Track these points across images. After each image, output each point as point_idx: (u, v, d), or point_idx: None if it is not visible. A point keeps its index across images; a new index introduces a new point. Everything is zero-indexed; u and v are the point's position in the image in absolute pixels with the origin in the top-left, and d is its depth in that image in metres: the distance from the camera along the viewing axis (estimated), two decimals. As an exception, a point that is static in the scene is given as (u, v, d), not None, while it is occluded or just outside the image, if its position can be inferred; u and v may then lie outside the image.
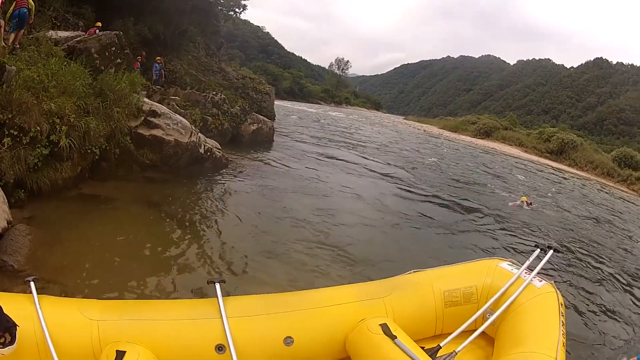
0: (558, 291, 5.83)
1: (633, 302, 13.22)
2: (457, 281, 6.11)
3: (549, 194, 32.60)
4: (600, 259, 16.87)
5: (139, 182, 13.07)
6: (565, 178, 52.60)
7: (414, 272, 6.23)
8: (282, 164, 20.68)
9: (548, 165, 64.51)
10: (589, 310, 11.76)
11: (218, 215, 12.19)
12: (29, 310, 4.20)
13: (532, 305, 5.58)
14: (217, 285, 5.01)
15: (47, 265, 7.58)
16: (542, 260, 6.26)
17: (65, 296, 5.14)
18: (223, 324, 4.60)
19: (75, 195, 10.96)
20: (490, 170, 40.58)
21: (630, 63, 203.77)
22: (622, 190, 58.92)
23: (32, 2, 14.03)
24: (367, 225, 14.06)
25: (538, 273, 6.07)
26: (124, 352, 4.04)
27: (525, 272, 6.05)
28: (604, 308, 12.27)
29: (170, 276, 8.27)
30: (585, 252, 17.32)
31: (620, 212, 34.69)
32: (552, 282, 5.95)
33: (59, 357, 3.93)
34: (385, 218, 15.45)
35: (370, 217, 15.09)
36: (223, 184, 15.39)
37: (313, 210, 14.16)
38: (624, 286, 14.40)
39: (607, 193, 48.77)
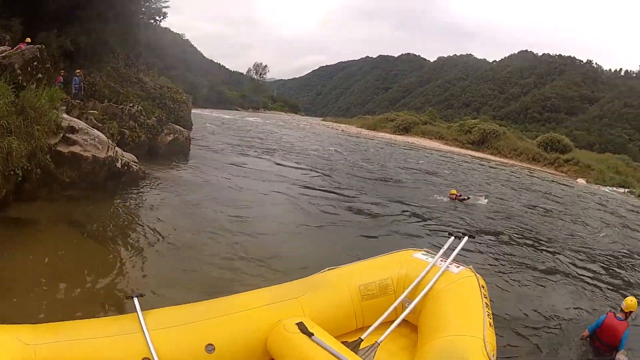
0: (478, 275, 6.19)
1: (569, 280, 14.09)
2: (371, 275, 6.35)
3: (478, 185, 33.89)
4: (536, 243, 17.90)
5: (60, 201, 13.06)
6: (492, 167, 54.37)
7: (329, 269, 6.47)
8: (199, 175, 20.82)
9: (471, 156, 65.97)
10: (524, 293, 12.45)
11: (136, 230, 12.29)
12: None
13: (452, 290, 5.85)
14: (136, 300, 5.12)
15: None
16: (457, 247, 6.67)
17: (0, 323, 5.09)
18: (145, 337, 4.63)
19: (1, 219, 10.91)
20: (411, 165, 41.55)
21: (557, 53, 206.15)
22: (551, 173, 61.85)
23: None
24: (285, 230, 14.36)
25: (455, 260, 6.43)
26: None
27: (441, 260, 6.39)
28: (539, 289, 12.91)
29: (95, 294, 8.40)
30: (521, 238, 18.35)
31: (555, 195, 36.75)
32: (471, 267, 6.33)
33: None
34: (302, 221, 15.88)
35: (287, 222, 15.46)
36: (140, 198, 15.51)
37: (230, 220, 14.44)
38: (560, 268, 15.20)
39: (537, 178, 50.79)
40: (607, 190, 55.06)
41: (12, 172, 11.31)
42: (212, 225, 13.52)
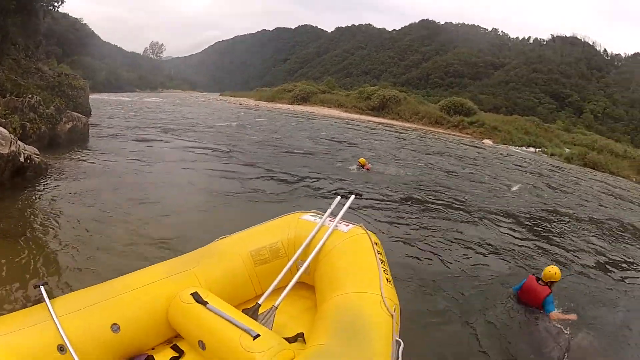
0: (369, 232, 6.27)
1: (487, 241, 14.84)
2: (262, 239, 6.41)
3: (386, 151, 34.55)
4: (449, 205, 18.98)
5: None
6: (398, 132, 55.61)
7: (220, 238, 6.49)
8: (100, 161, 20.62)
9: (373, 122, 66.56)
10: (436, 253, 13.13)
11: (42, 224, 12.21)
12: None
13: (343, 248, 5.95)
14: (42, 288, 4.99)
15: None
16: (344, 206, 6.77)
17: None
18: (55, 323, 4.56)
19: None
20: (312, 134, 41.97)
21: (460, 22, 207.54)
22: (457, 135, 63.27)
23: None
24: (187, 209, 14.53)
25: (345, 219, 6.53)
26: None
27: (329, 220, 6.48)
28: (453, 250, 13.64)
29: (7, 293, 8.39)
30: (432, 201, 19.36)
31: (468, 157, 38.59)
32: (361, 224, 6.40)
33: None
34: (203, 198, 16.18)
35: (189, 200, 15.64)
36: (44, 191, 15.31)
37: (133, 204, 14.56)
38: (476, 229, 16.08)
39: (445, 140, 52.52)
40: (517, 150, 57.12)
41: None
42: (115, 211, 13.60)
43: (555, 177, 35.69)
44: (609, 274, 13.89)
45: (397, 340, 4.72)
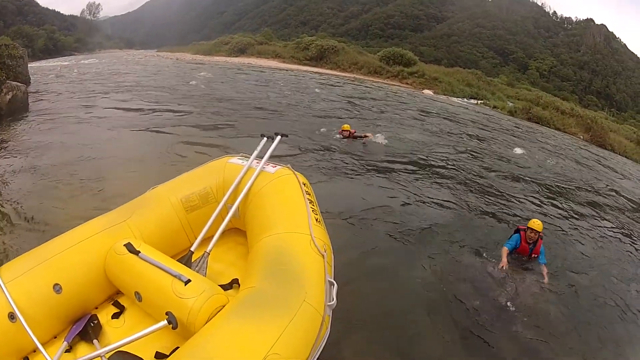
0: (297, 173, 6.38)
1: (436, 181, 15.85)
2: (191, 186, 6.47)
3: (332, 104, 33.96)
4: (398, 155, 19.27)
5: None
6: (340, 81, 54.99)
7: (152, 188, 6.51)
8: (41, 130, 20.28)
9: (311, 72, 65.70)
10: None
11: None
12: None
13: (270, 190, 6.06)
14: None
15: None
16: (270, 147, 6.86)
17: None
18: (4, 292, 4.54)
19: None
20: (249, 86, 41.87)
21: None
22: (396, 85, 63.19)
23: None
24: (129, 168, 14.40)
25: (271, 160, 6.64)
26: None
27: (256, 162, 6.56)
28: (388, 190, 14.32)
29: None
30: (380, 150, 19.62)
31: (394, 101, 39.58)
32: (289, 165, 6.50)
33: None
34: (145, 156, 15.99)
35: (131, 159, 15.45)
36: None
37: (73, 158, 14.88)
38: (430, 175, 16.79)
39: (381, 90, 51.84)
40: (457, 100, 57.43)
41: None
42: (55, 170, 13.77)
43: (505, 131, 36.41)
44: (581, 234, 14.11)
45: (330, 281, 4.93)
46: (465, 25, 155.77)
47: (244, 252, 6.25)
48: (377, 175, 15.97)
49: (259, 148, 6.83)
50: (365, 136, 20.48)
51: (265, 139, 7.03)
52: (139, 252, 5.11)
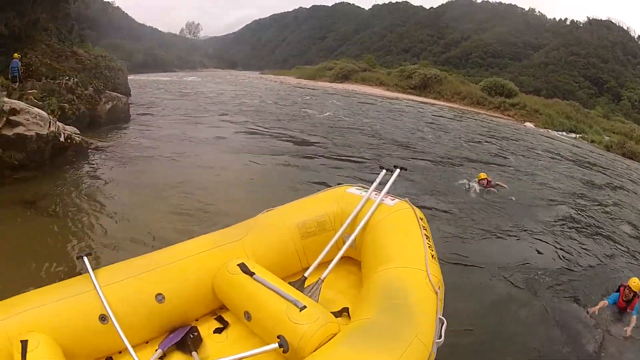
0: (414, 207, 6.23)
1: (544, 230, 14.67)
2: (309, 212, 6.45)
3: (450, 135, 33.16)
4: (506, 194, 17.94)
5: (12, 185, 13.26)
6: (461, 117, 53.29)
7: (267, 210, 6.52)
8: (141, 138, 21.03)
9: (416, 101, 64.56)
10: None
11: (87, 198, 12.69)
12: None
13: (389, 223, 5.93)
14: (85, 259, 5.12)
15: None
16: (389, 180, 6.70)
17: None
18: (98, 293, 4.67)
19: None
20: (358, 111, 41.44)
21: (497, 0, 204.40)
22: (498, 117, 61.69)
23: None
24: (231, 183, 14.96)
25: (389, 193, 6.50)
26: (26, 341, 4.20)
27: (375, 194, 6.45)
28: (502, 237, 13.51)
29: (50, 264, 8.81)
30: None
31: (504, 137, 37.40)
32: (407, 199, 6.38)
33: None
34: (247, 173, 16.47)
35: (232, 174, 16.05)
36: (86, 169, 15.73)
37: (176, 180, 14.81)
38: (536, 217, 15.78)
39: (493, 123, 50.82)
40: (557, 134, 55.58)
41: None
42: (156, 183, 14.10)
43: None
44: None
45: (440, 318, 4.77)
46: (560, 53, 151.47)
47: (355, 281, 6.15)
48: (492, 217, 15.17)
49: (378, 180, 6.74)
50: (499, 185, 18.46)
51: (384, 171, 6.98)
52: (254, 273, 5.18)
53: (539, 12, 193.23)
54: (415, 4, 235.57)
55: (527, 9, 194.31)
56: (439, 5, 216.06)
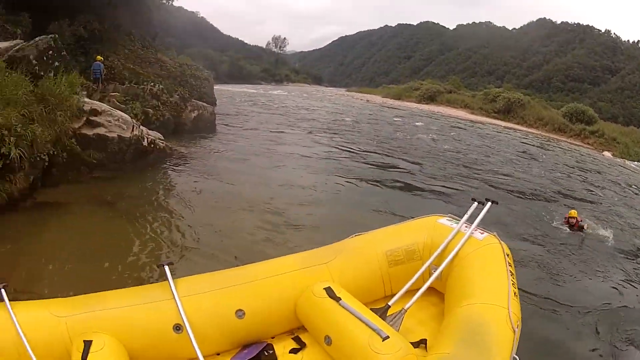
0: (502, 242, 5.92)
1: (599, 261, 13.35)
2: (398, 240, 6.17)
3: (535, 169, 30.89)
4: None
5: (89, 183, 13.27)
6: (546, 145, 51.15)
7: (356, 235, 6.31)
8: (226, 147, 20.94)
9: (502, 126, 64.16)
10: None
11: (167, 204, 12.58)
12: (2, 315, 4.41)
13: (476, 257, 5.68)
14: (166, 268, 5.14)
15: (13, 277, 7.77)
16: (480, 213, 6.39)
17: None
18: (176, 304, 4.71)
19: (31, 205, 11.20)
20: (443, 135, 40.12)
21: (576, 22, 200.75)
22: (579, 145, 59.53)
23: None
24: (315, 200, 14.45)
25: (479, 226, 6.18)
26: (91, 341, 4.25)
27: (465, 226, 6.15)
28: (582, 271, 12.46)
29: (128, 268, 8.66)
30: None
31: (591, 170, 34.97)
32: (495, 233, 6.04)
33: (37, 357, 4.12)
34: (333, 191, 15.93)
35: (317, 191, 15.50)
36: (169, 174, 15.68)
37: (259, 191, 14.54)
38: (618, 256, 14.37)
39: (577, 153, 48.59)
40: (634, 165, 52.62)
41: (38, 158, 11.63)
42: (239, 196, 13.70)
43: None
44: None
45: (514, 357, 4.51)
46: (635, 78, 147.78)
47: (435, 313, 5.83)
48: (579, 259, 13.74)
49: (469, 212, 6.39)
50: (587, 224, 16.64)
51: (476, 203, 6.61)
52: (340, 298, 5.08)
53: (614, 34, 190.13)
54: (499, 24, 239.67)
55: (603, 30, 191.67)
56: (521, 27, 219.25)
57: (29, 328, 4.33)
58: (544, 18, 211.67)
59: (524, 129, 67.00)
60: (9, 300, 4.57)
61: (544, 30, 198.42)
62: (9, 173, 10.59)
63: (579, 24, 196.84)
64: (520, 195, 19.63)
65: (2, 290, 4.67)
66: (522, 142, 45.75)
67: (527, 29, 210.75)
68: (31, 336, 4.27)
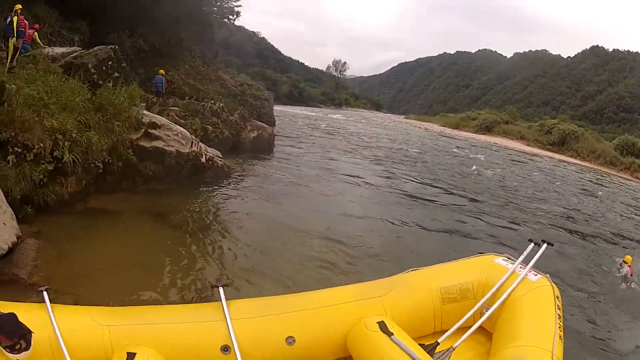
0: (554, 284, 5.88)
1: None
2: (453, 278, 6.19)
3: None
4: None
5: (143, 194, 13.20)
6: (581, 173, 50.92)
7: (412, 270, 6.32)
8: (283, 170, 20.65)
9: (557, 159, 63.51)
10: (592, 307, 11.77)
11: (221, 223, 12.32)
12: (43, 318, 4.38)
13: (528, 299, 5.65)
14: (221, 289, 5.14)
15: (57, 277, 7.78)
16: (536, 254, 6.31)
17: (77, 305, 5.25)
18: (227, 325, 4.74)
19: (82, 209, 11.13)
20: (501, 168, 39.69)
21: (626, 49, 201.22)
22: (629, 179, 58.19)
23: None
24: (369, 230, 14.04)
25: (533, 267, 6.13)
26: (134, 353, 4.24)
27: (520, 267, 6.11)
28: (607, 305, 12.12)
29: (176, 283, 8.54)
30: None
31: None
32: (547, 275, 5.99)
33: None
34: (388, 221, 15.39)
35: (372, 221, 15.10)
36: (225, 192, 15.44)
37: (313, 217, 14.32)
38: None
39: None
40: None
41: (92, 165, 11.69)
42: (295, 222, 13.35)
43: None
44: None
45: None
46: None
47: (482, 352, 5.69)
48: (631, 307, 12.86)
49: (525, 253, 6.28)
50: None
51: (532, 244, 6.50)
52: (392, 333, 5.07)
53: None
54: (554, 53, 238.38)
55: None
56: (575, 55, 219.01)
57: (69, 333, 4.37)
58: (597, 46, 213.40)
59: (577, 161, 66.66)
60: (50, 302, 4.61)
61: (597, 59, 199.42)
62: (60, 176, 10.58)
63: (629, 51, 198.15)
64: (577, 235, 19.04)
65: (45, 293, 4.73)
66: (579, 178, 45.42)
67: (582, 57, 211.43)
68: (70, 341, 4.30)
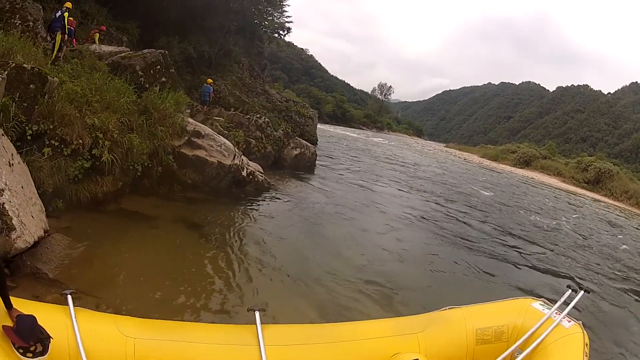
0: (585, 332, 5.86)
1: None
2: (490, 319, 6.21)
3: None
4: None
5: (180, 202, 13.07)
6: (620, 215, 49.64)
7: (449, 308, 6.35)
8: (324, 192, 20.51)
9: (587, 197, 63.48)
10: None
11: (257, 242, 12.01)
12: (65, 322, 4.34)
13: (559, 345, 5.64)
14: (257, 313, 5.14)
15: (81, 277, 7.66)
16: (572, 301, 6.39)
17: (98, 309, 5.20)
18: (260, 351, 4.70)
19: (115, 210, 11.07)
20: (539, 205, 38.73)
21: None
22: None
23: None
24: (407, 260, 13.83)
25: (568, 314, 6.13)
26: None
27: (556, 313, 6.12)
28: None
29: (206, 299, 8.33)
30: None
31: None
32: (580, 322, 5.98)
33: None
34: (425, 253, 15.16)
35: (409, 251, 14.82)
36: (263, 210, 15.24)
37: (351, 242, 14.06)
38: None
39: None
40: None
41: (131, 167, 11.63)
42: (332, 246, 13.22)
43: None
44: None
45: None
46: None
47: None
48: None
49: (562, 299, 6.33)
50: None
51: (570, 291, 6.65)
52: None
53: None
54: (595, 88, 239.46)
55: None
56: (615, 91, 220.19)
57: (91, 341, 4.31)
58: (636, 82, 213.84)
59: (610, 201, 66.27)
60: (75, 305, 4.58)
61: (636, 96, 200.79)
62: (97, 174, 10.54)
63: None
64: (612, 283, 17.97)
65: (69, 296, 4.65)
66: (615, 219, 44.10)
67: (621, 94, 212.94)
68: (91, 349, 4.22)
